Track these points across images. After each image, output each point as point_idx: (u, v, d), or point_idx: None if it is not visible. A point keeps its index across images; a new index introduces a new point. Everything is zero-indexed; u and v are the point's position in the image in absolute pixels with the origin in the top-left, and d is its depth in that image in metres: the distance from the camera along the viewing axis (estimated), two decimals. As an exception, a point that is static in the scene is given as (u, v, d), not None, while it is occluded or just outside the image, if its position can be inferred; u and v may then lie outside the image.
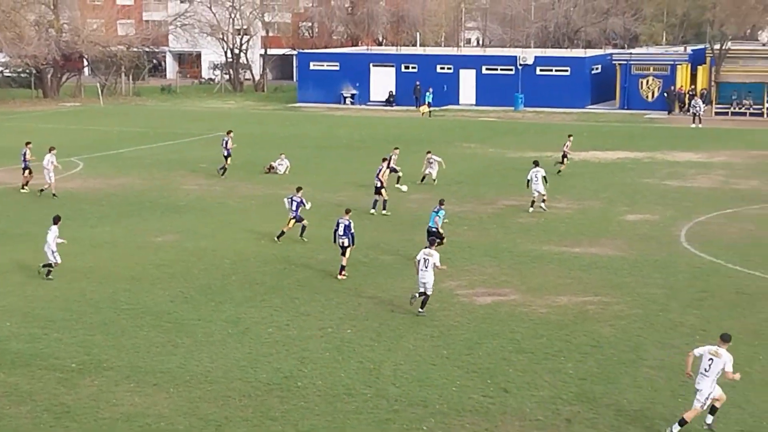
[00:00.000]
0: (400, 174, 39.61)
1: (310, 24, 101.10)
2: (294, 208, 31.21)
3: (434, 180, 41.28)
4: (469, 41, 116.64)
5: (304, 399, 18.87)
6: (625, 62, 73.29)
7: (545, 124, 64.73)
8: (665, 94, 70.55)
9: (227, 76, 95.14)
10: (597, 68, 75.80)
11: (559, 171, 43.56)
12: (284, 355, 21.22)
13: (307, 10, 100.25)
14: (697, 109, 63.95)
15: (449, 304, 24.81)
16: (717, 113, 66.69)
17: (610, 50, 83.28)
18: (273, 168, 44.86)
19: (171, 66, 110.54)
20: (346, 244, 27.33)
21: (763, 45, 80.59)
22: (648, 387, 19.42)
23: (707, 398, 17.19)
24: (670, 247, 30.75)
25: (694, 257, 29.61)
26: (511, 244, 31.15)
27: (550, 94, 72.85)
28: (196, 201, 38.45)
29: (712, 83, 69.74)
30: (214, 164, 45.38)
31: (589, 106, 73.68)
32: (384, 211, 35.72)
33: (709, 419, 17.45)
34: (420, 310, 23.92)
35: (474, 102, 74.98)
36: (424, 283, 23.88)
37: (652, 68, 72.55)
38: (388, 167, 36.94)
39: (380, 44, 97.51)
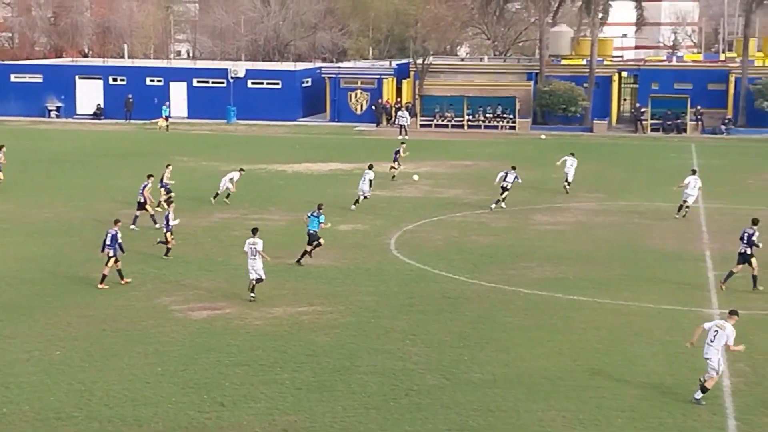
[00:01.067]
0: (172, 196, 37.67)
1: (9, 35, 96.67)
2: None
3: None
4: (179, 53, 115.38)
5: (10, 426, 18.06)
6: (334, 76, 75.03)
7: (258, 137, 65.17)
8: (373, 107, 72.81)
9: None
10: (307, 81, 77.13)
11: (393, 177, 45.75)
12: (-11, 381, 20.24)
13: (6, 20, 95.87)
14: (404, 120, 66.46)
15: (164, 321, 24.51)
16: (421, 125, 69.53)
17: (319, 64, 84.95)
18: None
19: None
20: (111, 254, 27.14)
21: (462, 60, 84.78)
22: (361, 392, 20.01)
23: (718, 364, 19.37)
24: (381, 256, 31.81)
25: (403, 264, 30.77)
26: (226, 258, 31.16)
27: (262, 107, 73.38)
28: None
29: (416, 96, 72.64)
30: None
31: (301, 119, 74.86)
32: (133, 226, 34.63)
33: (698, 395, 19.45)
34: (252, 294, 26.11)
35: (186, 115, 74.30)
36: (255, 270, 26.30)
37: (359, 82, 74.68)
38: (161, 185, 36.71)
39: (86, 56, 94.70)
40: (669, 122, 67.53)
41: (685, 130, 67.20)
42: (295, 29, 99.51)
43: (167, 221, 31.06)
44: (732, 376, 21.02)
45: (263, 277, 26.46)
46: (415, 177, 43.97)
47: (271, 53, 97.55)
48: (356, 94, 74.36)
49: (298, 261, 30.52)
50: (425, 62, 73.21)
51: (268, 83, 75.41)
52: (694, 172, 39.73)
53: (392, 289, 27.80)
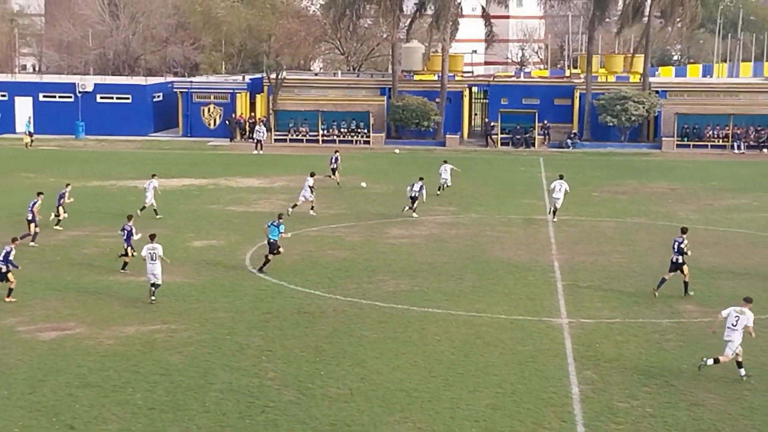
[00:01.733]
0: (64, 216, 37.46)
1: None
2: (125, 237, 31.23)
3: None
4: (24, 67, 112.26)
5: None
6: (186, 90, 74.21)
7: (108, 152, 63.87)
8: (227, 122, 72.30)
9: None
10: (159, 96, 76.04)
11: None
12: None
13: None
14: (261, 135, 66.26)
15: (10, 342, 23.76)
16: (276, 140, 69.39)
17: (171, 78, 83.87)
18: None
19: None
20: (4, 270, 27.20)
21: (316, 75, 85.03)
22: (216, 411, 19.81)
23: (737, 347, 21.78)
24: (236, 272, 31.58)
25: (259, 280, 30.62)
26: (76, 276, 30.43)
27: (112, 122, 71.98)
28: None
29: (270, 111, 72.47)
30: None
31: (153, 134, 73.71)
32: (33, 243, 34.49)
33: (742, 372, 21.95)
34: (153, 298, 27.21)
35: (32, 131, 72.13)
36: (154, 275, 27.49)
37: (212, 96, 74.09)
38: (59, 204, 36.83)
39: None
40: (518, 136, 69.23)
41: (533, 144, 68.99)
42: (145, 43, 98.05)
43: (129, 235, 31.12)
44: (580, 383, 21.67)
45: (159, 283, 27.59)
46: (363, 184, 44.29)
47: (121, 67, 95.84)
48: (209, 109, 73.75)
49: (260, 269, 31.25)
50: (279, 77, 73.14)
51: (117, 98, 74.05)
52: (561, 177, 41.40)
53: (248, 306, 27.64)
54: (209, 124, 73.61)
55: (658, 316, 27.10)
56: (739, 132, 67.69)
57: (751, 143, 67.45)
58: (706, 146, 67.76)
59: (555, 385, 21.57)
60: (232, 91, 74.44)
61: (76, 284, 29.51)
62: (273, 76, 73.35)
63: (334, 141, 69.69)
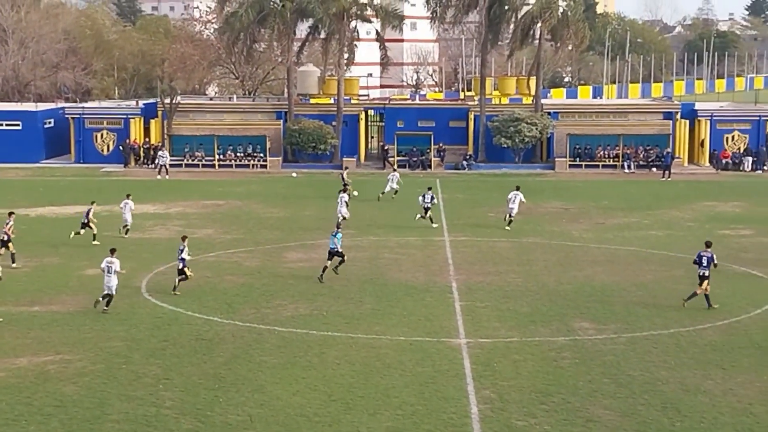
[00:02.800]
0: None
1: None
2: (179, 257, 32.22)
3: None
4: None
5: None
6: (78, 116, 72.93)
7: (-3, 181, 62.34)
8: (120, 147, 71.27)
9: None
10: (50, 122, 74.57)
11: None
12: None
13: None
14: (164, 160, 65.53)
15: None
16: (172, 165, 68.49)
17: (62, 104, 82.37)
18: None
19: None
20: None
21: (211, 99, 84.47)
22: (114, 441, 19.45)
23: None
24: (131, 299, 31.10)
25: (155, 307, 30.21)
26: (-35, 308, 29.59)
27: (2, 149, 70.31)
28: None
29: (165, 136, 71.68)
30: None
31: (44, 161, 72.23)
32: (14, 264, 34.63)
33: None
34: (105, 308, 28.96)
35: None
36: (110, 287, 29.18)
37: (106, 122, 72.93)
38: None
39: None
40: (414, 158, 69.78)
41: (430, 166, 69.63)
42: (35, 68, 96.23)
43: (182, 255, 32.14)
44: (479, 403, 21.89)
45: (113, 293, 29.42)
46: (294, 174, 45.26)
47: (10, 93, 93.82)
48: (102, 135, 72.60)
49: (320, 277, 33.67)
50: (173, 102, 72.44)
51: (7, 124, 72.38)
52: (517, 188, 45.43)
53: (144, 333, 27.25)
54: (102, 150, 72.45)
55: (554, 334, 27.55)
56: (629, 152, 69.33)
57: (641, 162, 69.14)
58: (597, 166, 69.18)
59: (454, 405, 21.76)
60: (125, 116, 73.40)
61: (-35, 316, 28.69)
62: (167, 100, 72.62)
63: (230, 165, 69.28)
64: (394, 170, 50.75)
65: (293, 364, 24.68)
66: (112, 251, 30.33)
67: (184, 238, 32.96)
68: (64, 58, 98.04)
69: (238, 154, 70.31)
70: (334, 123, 71.30)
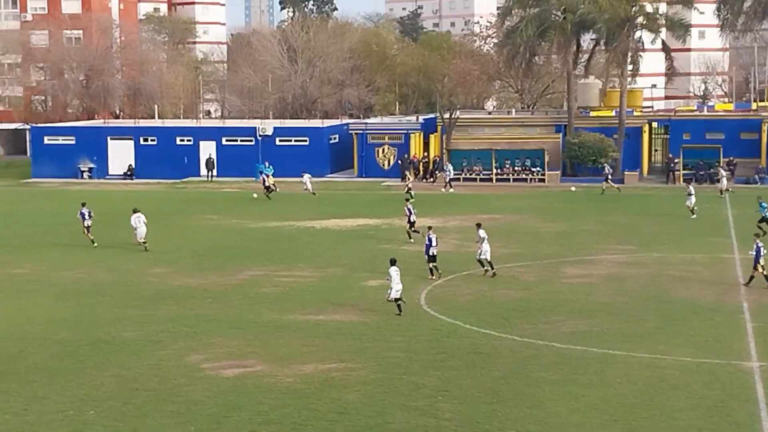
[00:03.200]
0: None
1: (43, 98, 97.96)
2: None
3: None
4: (208, 113, 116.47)
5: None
6: (361, 132, 75.34)
7: (286, 194, 65.14)
8: (399, 162, 72.92)
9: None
10: (335, 138, 77.47)
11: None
12: (20, 443, 20.17)
13: (39, 84, 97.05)
14: (447, 173, 66.62)
15: (195, 379, 24.39)
16: (450, 179, 69.38)
17: (346, 120, 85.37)
18: None
19: None
20: None
21: (489, 114, 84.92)
22: (394, 450, 19.75)
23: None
24: (411, 311, 31.56)
25: (433, 319, 30.53)
26: (256, 315, 31.07)
27: (290, 164, 73.53)
28: None
29: (444, 151, 72.70)
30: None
31: (329, 175, 75.06)
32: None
33: None
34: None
35: (215, 173, 74.64)
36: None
37: (387, 137, 74.92)
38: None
39: (117, 117, 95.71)
40: (702, 172, 67.13)
41: (718, 180, 66.75)
42: (322, 86, 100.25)
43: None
44: None
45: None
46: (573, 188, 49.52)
47: (298, 111, 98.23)
48: (383, 150, 74.58)
49: None
50: (452, 116, 73.39)
51: (296, 140, 75.80)
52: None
53: (422, 345, 27.56)
54: (383, 165, 74.43)
55: None
56: None
57: None
58: None
59: None
60: (406, 131, 75.10)
61: (256, 322, 30.11)
62: (446, 115, 73.66)
63: (508, 179, 69.30)
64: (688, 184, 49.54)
65: (572, 381, 24.19)
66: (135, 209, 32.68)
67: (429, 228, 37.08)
68: (349, 76, 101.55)
69: (516, 168, 70.22)
70: (615, 136, 69.86)
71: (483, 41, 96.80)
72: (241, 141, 75.96)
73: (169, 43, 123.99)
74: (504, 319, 30.39)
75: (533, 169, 69.70)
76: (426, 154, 73.99)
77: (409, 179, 63.81)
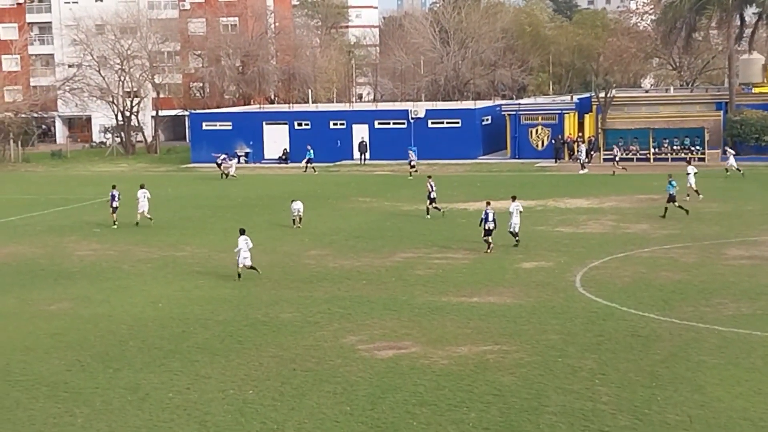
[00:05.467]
0: None
1: (201, 84, 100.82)
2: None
3: None
4: (360, 97, 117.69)
5: (206, 464, 18.51)
6: (514, 113, 74.76)
7: (439, 176, 65.23)
8: (553, 142, 72.02)
9: (119, 139, 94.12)
10: (487, 119, 77.13)
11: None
12: (185, 419, 20.85)
13: (197, 71, 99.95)
14: (581, 155, 65.51)
15: (350, 360, 24.72)
16: (605, 159, 68.23)
17: (499, 101, 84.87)
18: None
19: (61, 131, 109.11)
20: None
21: (646, 92, 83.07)
22: (550, 433, 19.59)
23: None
24: (566, 293, 31.22)
25: (589, 302, 30.10)
26: (410, 297, 31.26)
27: (442, 146, 73.77)
28: (90, 267, 37.71)
29: (599, 130, 71.48)
30: (108, 229, 45.08)
31: (482, 157, 74.81)
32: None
33: None
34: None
35: (368, 156, 75.37)
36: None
37: (540, 118, 74.13)
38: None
39: (272, 102, 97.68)
40: None
41: None
42: (474, 68, 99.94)
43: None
44: None
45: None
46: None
47: (450, 92, 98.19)
48: (537, 131, 73.84)
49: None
50: (608, 95, 72.03)
51: (448, 122, 75.80)
52: None
53: (579, 328, 27.21)
54: (537, 146, 73.70)
55: None
56: None
57: None
58: None
59: None
60: (560, 111, 74.17)
61: (410, 304, 30.29)
62: (602, 95, 72.36)
63: (666, 159, 67.65)
64: None
65: (735, 365, 23.48)
66: (242, 231, 34.19)
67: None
68: (502, 56, 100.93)
69: (675, 147, 68.47)
70: (779, 113, 67.38)
71: (640, 18, 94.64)
72: (394, 124, 76.44)
73: (322, 27, 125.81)
74: (663, 302, 29.72)
75: (693, 148, 67.82)
76: (580, 134, 72.87)
77: (412, 164, 63.12)
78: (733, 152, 60.33)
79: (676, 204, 44.63)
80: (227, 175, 67.42)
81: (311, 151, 71.48)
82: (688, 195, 48.83)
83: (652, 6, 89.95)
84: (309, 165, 70.55)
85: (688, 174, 49.78)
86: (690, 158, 59.30)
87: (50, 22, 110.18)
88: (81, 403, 22.05)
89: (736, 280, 32.40)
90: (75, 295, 32.84)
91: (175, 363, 24.85)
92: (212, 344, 26.50)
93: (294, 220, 44.89)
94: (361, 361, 24.59)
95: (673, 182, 44.88)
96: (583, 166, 64.80)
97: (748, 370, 23.08)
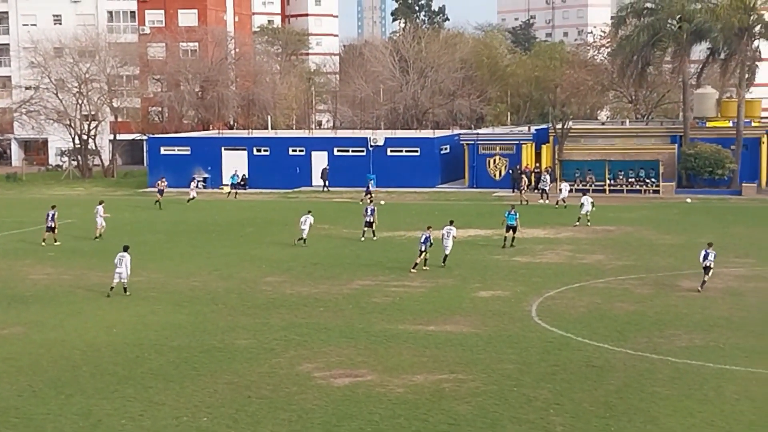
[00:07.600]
0: None
1: (159, 109, 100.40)
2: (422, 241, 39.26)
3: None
4: (320, 124, 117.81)
5: (159, 492, 18.32)
6: (472, 142, 75.19)
7: (397, 204, 65.50)
8: (510, 172, 72.46)
9: (75, 163, 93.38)
10: (446, 148, 77.51)
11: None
12: (138, 447, 20.64)
13: (156, 95, 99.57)
14: (545, 185, 65.89)
15: (306, 387, 24.63)
16: (540, 191, 68.57)
17: (457, 131, 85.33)
18: None
19: (17, 153, 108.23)
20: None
21: (603, 124, 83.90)
22: (505, 463, 19.61)
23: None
24: (522, 323, 31.35)
25: (545, 332, 30.25)
26: (367, 324, 31.23)
27: (401, 175, 73.99)
28: (44, 291, 37.30)
29: (556, 161, 72.06)
30: (63, 252, 44.49)
31: (440, 185, 75.10)
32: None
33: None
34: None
35: (328, 184, 75.30)
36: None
37: (498, 148, 74.60)
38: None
39: (231, 128, 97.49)
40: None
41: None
42: (433, 97, 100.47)
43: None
44: None
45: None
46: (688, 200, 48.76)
47: (410, 121, 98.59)
48: (494, 160, 74.29)
49: None
50: (565, 127, 72.71)
51: (407, 151, 76.07)
52: None
53: (534, 357, 27.33)
54: (494, 176, 74.13)
55: None
56: None
57: None
58: None
59: None
60: (517, 142, 74.69)
61: (367, 332, 30.26)
62: (559, 126, 73.03)
63: (621, 191, 68.31)
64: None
65: (688, 396, 23.69)
66: (125, 248, 35.69)
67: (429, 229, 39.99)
68: (461, 86, 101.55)
69: (630, 179, 69.17)
70: (732, 147, 68.33)
71: (597, 51, 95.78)
72: (353, 152, 76.55)
73: (282, 54, 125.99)
74: (618, 332, 29.94)
75: (647, 180, 68.57)
76: (537, 164, 73.40)
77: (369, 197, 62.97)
78: (591, 200, 55.03)
79: (515, 234, 46.16)
80: (192, 198, 67.63)
81: (237, 175, 73.43)
82: (578, 220, 52.14)
83: (609, 39, 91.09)
84: (233, 190, 71.54)
85: (582, 204, 52.70)
86: (587, 190, 62.21)
87: (8, 44, 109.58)
88: (32, 429, 21.76)
89: (689, 311, 32.73)
90: (28, 319, 32.45)
91: (129, 389, 24.61)
92: (167, 370, 26.28)
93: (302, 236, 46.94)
94: (316, 389, 24.51)
95: (513, 214, 46.18)
96: (545, 195, 65.14)
97: (701, 401, 23.29)
